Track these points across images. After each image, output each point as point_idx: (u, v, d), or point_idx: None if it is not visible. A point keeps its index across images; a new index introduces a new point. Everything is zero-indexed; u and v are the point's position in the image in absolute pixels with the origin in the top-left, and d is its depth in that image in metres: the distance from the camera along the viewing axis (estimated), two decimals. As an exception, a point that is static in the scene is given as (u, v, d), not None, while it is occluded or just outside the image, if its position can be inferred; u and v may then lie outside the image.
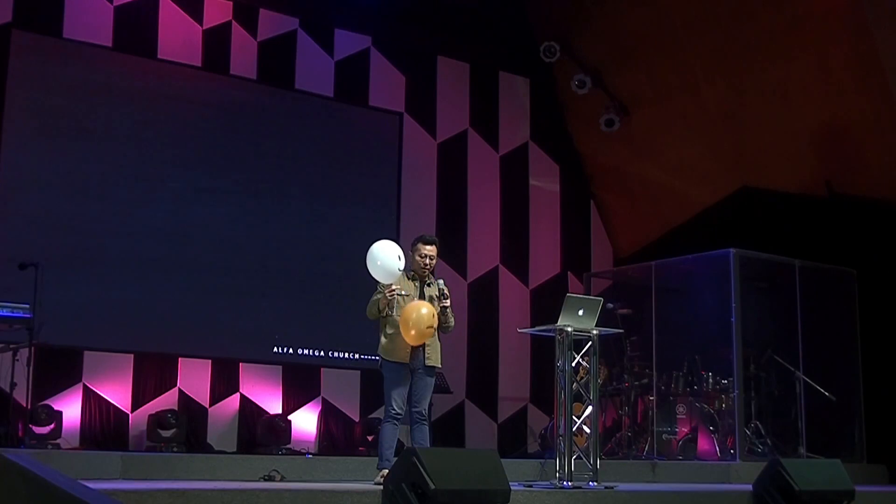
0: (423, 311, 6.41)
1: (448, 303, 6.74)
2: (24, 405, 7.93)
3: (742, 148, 11.10)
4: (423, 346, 6.67)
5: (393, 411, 6.61)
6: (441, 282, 6.82)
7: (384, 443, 6.59)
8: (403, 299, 6.67)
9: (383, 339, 6.72)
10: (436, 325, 6.51)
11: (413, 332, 6.38)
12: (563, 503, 6.08)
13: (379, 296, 6.66)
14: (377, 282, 6.64)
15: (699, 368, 9.87)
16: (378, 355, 6.76)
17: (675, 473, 8.81)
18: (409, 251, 6.89)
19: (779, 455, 8.74)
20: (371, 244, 6.62)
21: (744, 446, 9.30)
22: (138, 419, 9.23)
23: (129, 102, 9.63)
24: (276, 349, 10.08)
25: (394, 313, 6.66)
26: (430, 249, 6.83)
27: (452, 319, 6.84)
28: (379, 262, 6.53)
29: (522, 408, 11.52)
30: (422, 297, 6.76)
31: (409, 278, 6.79)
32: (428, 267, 6.83)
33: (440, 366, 6.84)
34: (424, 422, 6.72)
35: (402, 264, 6.56)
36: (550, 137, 12.35)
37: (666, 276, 10.51)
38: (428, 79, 11.57)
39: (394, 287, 6.59)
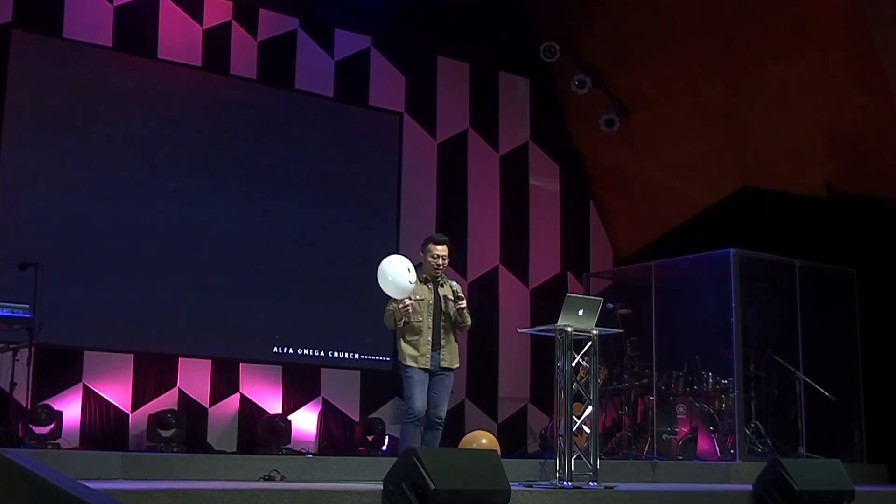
0: (482, 443, 6.35)
1: (464, 304, 6.81)
2: (24, 405, 7.93)
3: (742, 148, 11.09)
4: (439, 348, 6.73)
5: (415, 412, 6.63)
6: (454, 284, 6.87)
7: (406, 443, 6.59)
8: (419, 304, 6.70)
9: (404, 345, 6.74)
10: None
11: None
12: (563, 503, 6.08)
13: (393, 306, 6.67)
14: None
15: (699, 368, 9.87)
16: (399, 361, 6.79)
17: (675, 473, 8.80)
18: (420, 253, 6.90)
19: (779, 455, 8.74)
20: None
21: (744, 446, 9.29)
22: (138, 419, 9.23)
23: (129, 102, 9.62)
24: (276, 349, 10.08)
25: (412, 321, 6.69)
26: (442, 250, 6.85)
27: (469, 318, 6.90)
28: (390, 278, 6.50)
29: (522, 408, 11.52)
30: (436, 298, 6.79)
31: (422, 282, 6.79)
32: (441, 268, 6.84)
33: (457, 366, 6.89)
34: (440, 427, 6.78)
35: (413, 277, 6.53)
36: (550, 137, 12.35)
37: (666, 276, 10.51)
38: (428, 79, 11.56)
39: (407, 301, 6.59)
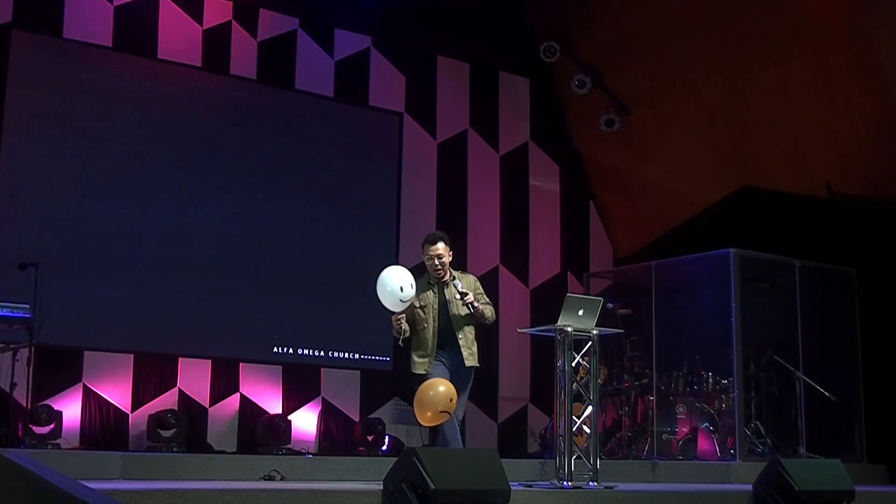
0: (440, 390, 6.15)
1: (470, 298, 6.61)
2: (24, 405, 7.93)
3: (742, 148, 11.10)
4: (457, 348, 6.64)
5: None
6: (458, 283, 6.67)
7: (445, 443, 6.55)
8: (423, 311, 6.63)
9: (413, 355, 6.68)
10: (453, 410, 6.26)
11: (429, 414, 6.16)
12: (563, 503, 6.08)
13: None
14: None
15: (699, 368, 9.87)
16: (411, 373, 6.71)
17: (675, 473, 8.80)
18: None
19: (779, 455, 8.74)
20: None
21: (744, 446, 9.29)
22: (138, 419, 9.23)
23: (129, 102, 9.63)
24: (276, 349, 10.08)
25: (418, 328, 6.62)
26: (436, 249, 6.66)
27: (486, 310, 6.72)
28: (389, 289, 6.36)
29: (522, 408, 11.52)
30: (442, 301, 6.67)
31: (428, 285, 6.70)
32: (439, 269, 6.67)
33: (477, 365, 6.78)
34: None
35: (406, 295, 6.35)
36: (550, 137, 12.35)
37: (666, 276, 10.51)
38: (428, 79, 11.57)
39: (399, 316, 6.49)
